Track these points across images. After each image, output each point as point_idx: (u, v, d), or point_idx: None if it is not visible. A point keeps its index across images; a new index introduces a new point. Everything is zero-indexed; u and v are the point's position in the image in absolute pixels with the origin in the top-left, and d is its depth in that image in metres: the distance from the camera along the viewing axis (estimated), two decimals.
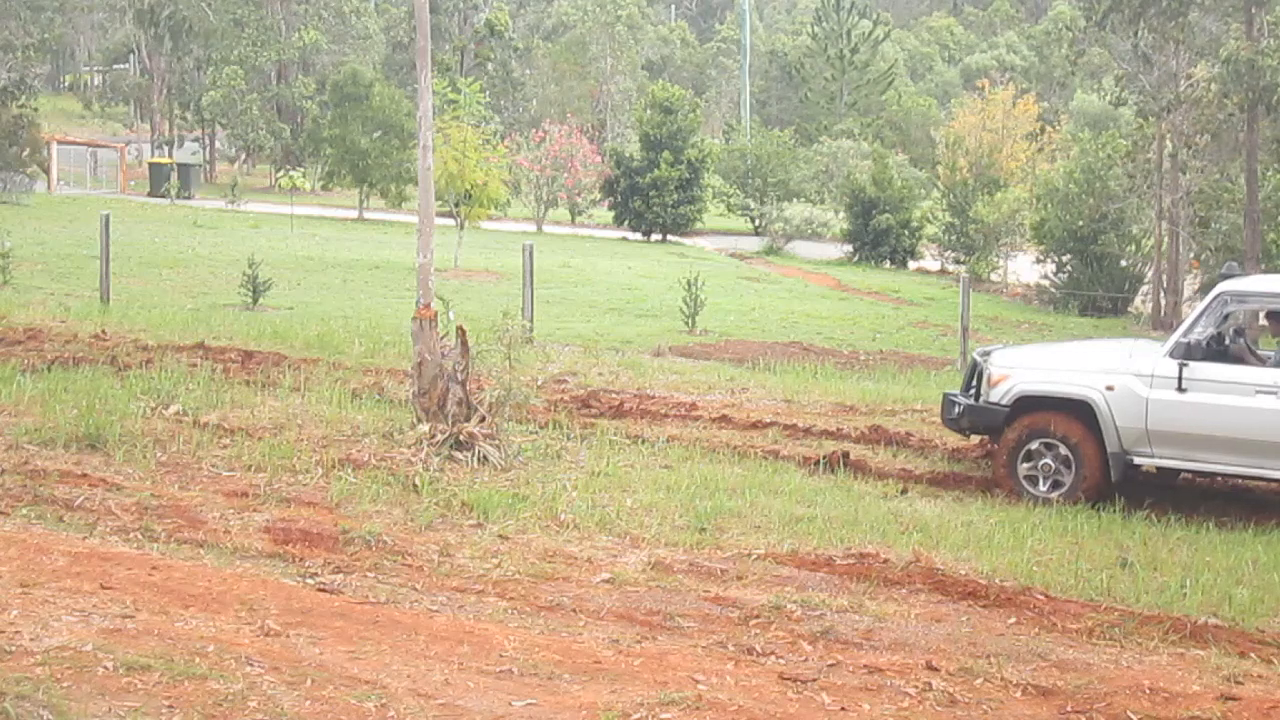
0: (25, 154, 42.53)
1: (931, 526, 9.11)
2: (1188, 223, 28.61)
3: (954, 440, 12.31)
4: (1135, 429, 10.50)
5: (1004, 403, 10.97)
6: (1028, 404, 10.92)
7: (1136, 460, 10.61)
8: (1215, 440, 10.33)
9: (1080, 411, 10.69)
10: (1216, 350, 10.73)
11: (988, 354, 11.68)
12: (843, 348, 20.74)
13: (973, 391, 11.41)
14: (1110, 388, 10.62)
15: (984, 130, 42.18)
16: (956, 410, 11.32)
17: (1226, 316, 10.85)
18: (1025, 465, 10.79)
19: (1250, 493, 11.22)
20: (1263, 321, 12.02)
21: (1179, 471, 11.04)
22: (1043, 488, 10.67)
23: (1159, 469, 10.88)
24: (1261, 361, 10.75)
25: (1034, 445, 10.75)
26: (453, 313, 12.43)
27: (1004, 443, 10.90)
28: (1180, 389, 10.40)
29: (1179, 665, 6.64)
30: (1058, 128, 45.61)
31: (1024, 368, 11.19)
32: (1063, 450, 10.68)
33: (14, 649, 5.70)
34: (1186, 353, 10.50)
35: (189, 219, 38.01)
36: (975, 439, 11.82)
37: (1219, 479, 11.29)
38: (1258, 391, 10.25)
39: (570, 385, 14.02)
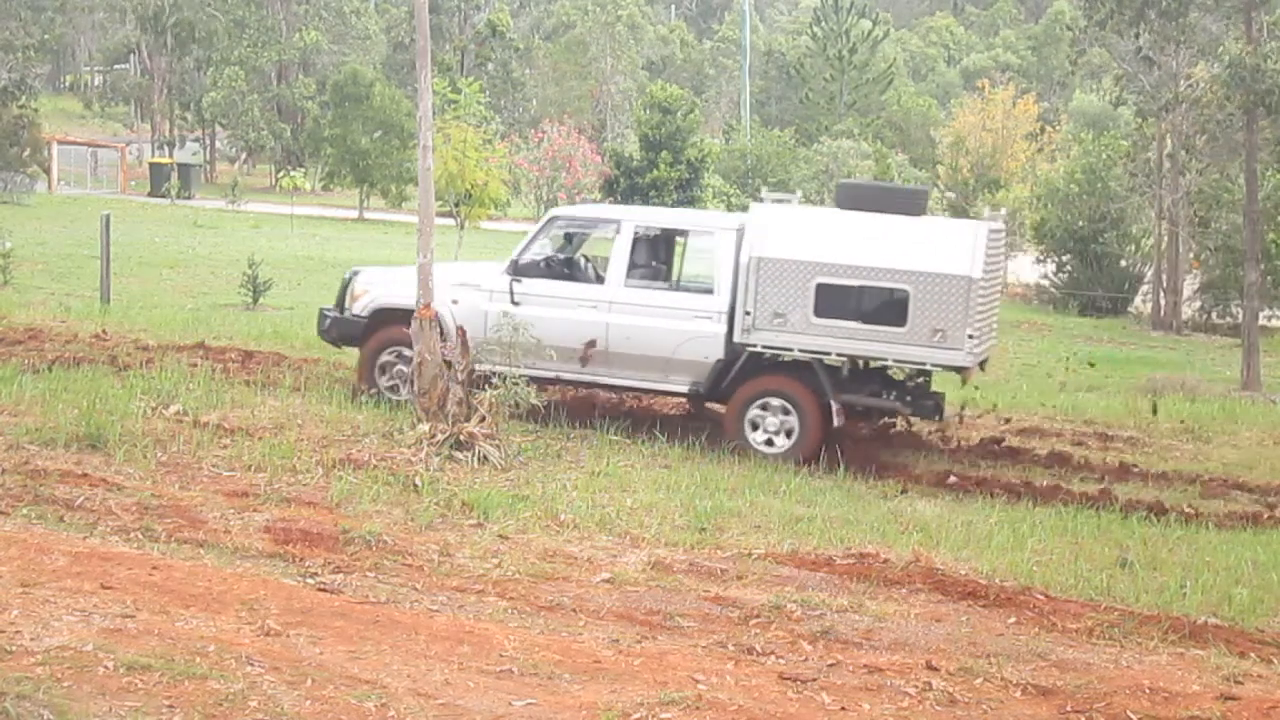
0: (26, 154, 42.53)
1: (931, 526, 9.11)
2: (1187, 223, 28.60)
3: (954, 440, 12.33)
4: (477, 339, 11.54)
5: (363, 315, 12.28)
6: (384, 316, 12.18)
7: (478, 367, 11.48)
8: (545, 348, 11.59)
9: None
10: (549, 268, 12.21)
11: (356, 273, 12.83)
12: None
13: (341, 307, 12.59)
14: (456, 301, 11.87)
15: (984, 130, 42.18)
16: (327, 323, 12.62)
17: (558, 238, 12.49)
18: (382, 376, 12.12)
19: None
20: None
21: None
22: (404, 392, 11.77)
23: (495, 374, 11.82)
24: (587, 278, 12.17)
25: (388, 356, 12.08)
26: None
27: (365, 350, 12.23)
28: (514, 302, 11.76)
29: (1179, 665, 6.64)
30: (1058, 128, 45.64)
31: (381, 284, 12.46)
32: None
33: (14, 649, 5.71)
34: (521, 270, 11.91)
35: (189, 219, 38.02)
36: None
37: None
38: (580, 305, 11.77)
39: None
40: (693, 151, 42.66)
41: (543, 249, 12.24)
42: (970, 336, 10.94)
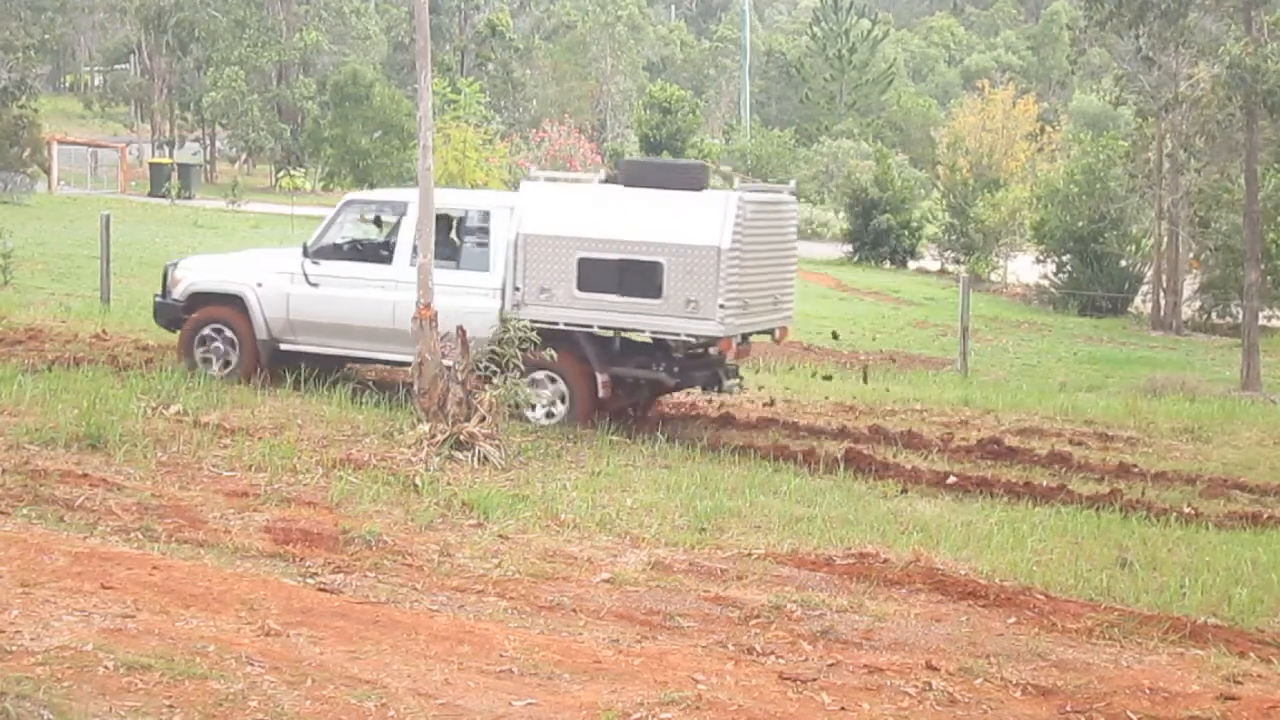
0: (26, 154, 42.50)
1: (931, 526, 9.10)
2: (1187, 223, 28.61)
3: (955, 440, 12.32)
4: (281, 319, 12.54)
5: (181, 299, 12.99)
6: (199, 299, 12.91)
7: (284, 346, 12.60)
8: (341, 328, 12.37)
9: (240, 305, 12.64)
10: (344, 250, 12.85)
11: (175, 263, 13.55)
12: (843, 348, 20.74)
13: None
14: (260, 284, 12.62)
15: (984, 130, 42.18)
16: (155, 309, 13.40)
17: (354, 221, 13.21)
18: (200, 349, 12.77)
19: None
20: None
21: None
22: (216, 367, 12.65)
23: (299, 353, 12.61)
24: (378, 259, 12.65)
25: (206, 331, 12.78)
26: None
27: (183, 330, 12.90)
28: (313, 284, 12.42)
29: (1179, 665, 6.64)
30: (1058, 128, 45.64)
31: (197, 270, 13.23)
32: (229, 335, 12.69)
33: (14, 649, 5.71)
34: (318, 253, 12.53)
35: (189, 219, 38.01)
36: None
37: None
38: (370, 285, 12.35)
39: None
40: (693, 151, 42.69)
41: (338, 232, 12.92)
42: (722, 306, 11.25)
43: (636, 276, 11.39)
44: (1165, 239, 29.19)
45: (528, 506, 8.97)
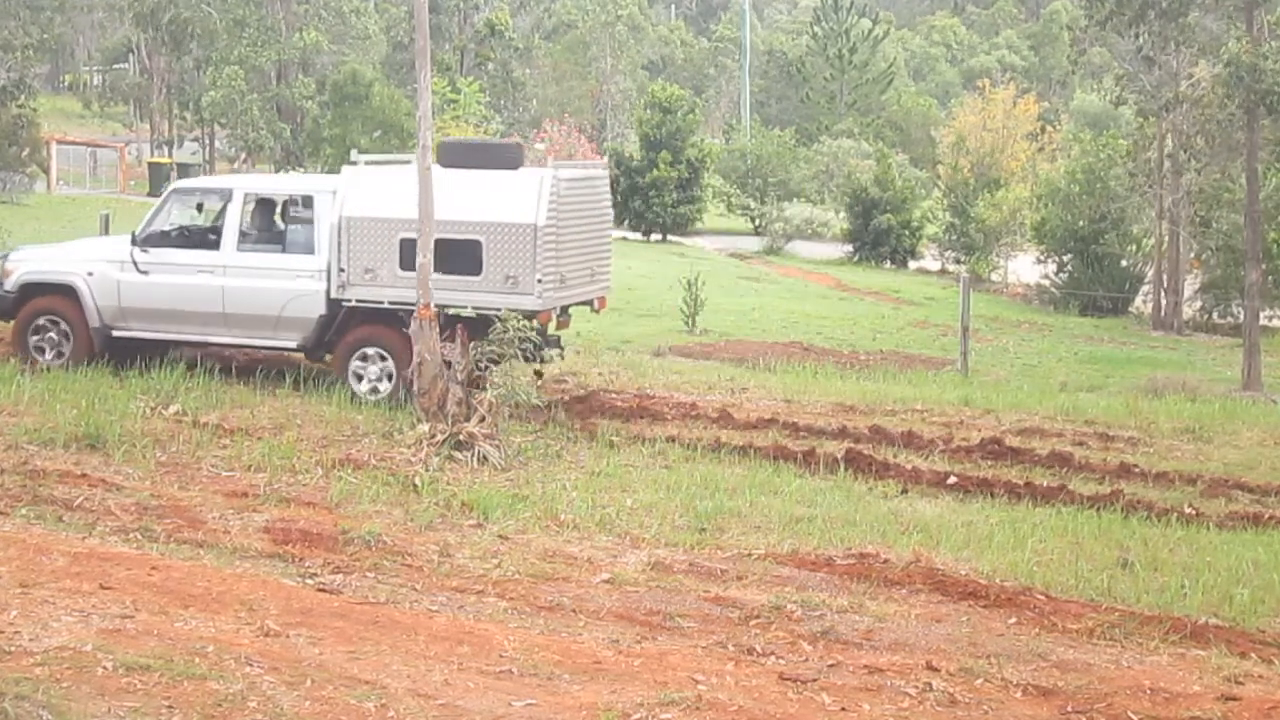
0: (25, 154, 42.44)
1: (931, 526, 9.09)
2: (1188, 222, 28.57)
3: (955, 441, 12.31)
4: (112, 307, 12.80)
5: (12, 290, 13.11)
6: (31, 290, 13.10)
7: (116, 333, 12.85)
8: (172, 313, 12.69)
9: (71, 294, 12.86)
10: (172, 237, 13.11)
11: (6, 255, 13.80)
12: (843, 348, 20.72)
13: None
14: (91, 273, 12.87)
15: (985, 130, 42.15)
16: None
17: (183, 208, 13.58)
18: (34, 338, 12.96)
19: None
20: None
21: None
22: (49, 356, 12.86)
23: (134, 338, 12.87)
24: (206, 245, 12.93)
25: (40, 321, 12.97)
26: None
27: (17, 321, 13.08)
28: (142, 271, 12.72)
29: (1179, 665, 6.63)
30: (1058, 127, 45.61)
31: (29, 261, 13.45)
32: (63, 325, 12.89)
33: (14, 649, 5.70)
34: (146, 241, 12.81)
35: None
36: None
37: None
38: (198, 271, 12.67)
39: (570, 385, 14.01)
40: (693, 151, 42.62)
41: (166, 220, 13.20)
42: (540, 281, 11.75)
43: (457, 255, 11.80)
44: (1166, 239, 29.15)
45: (527, 507, 8.96)
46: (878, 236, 39.09)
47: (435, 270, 11.59)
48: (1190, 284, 29.93)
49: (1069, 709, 5.95)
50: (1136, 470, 11.52)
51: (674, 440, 11.33)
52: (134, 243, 12.83)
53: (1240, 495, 10.99)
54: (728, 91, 76.56)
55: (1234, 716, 5.94)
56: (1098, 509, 9.94)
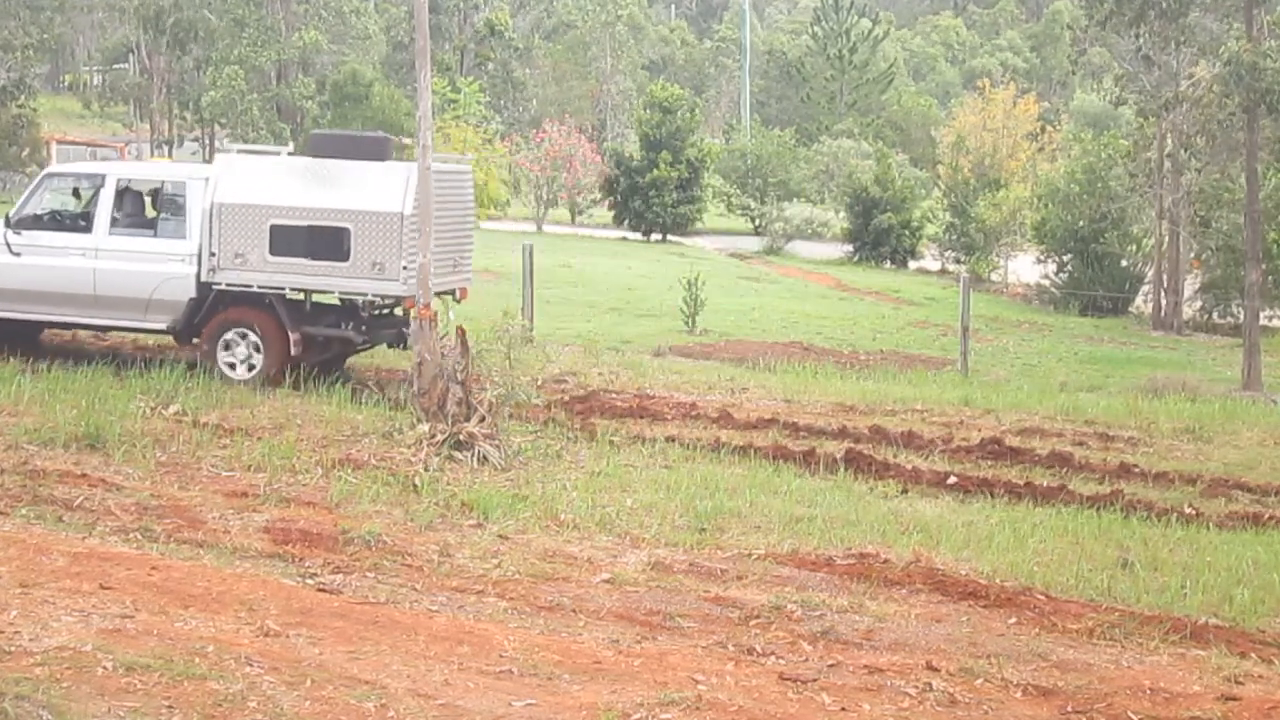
0: (25, 154, 42.45)
1: (931, 526, 9.09)
2: (1188, 222, 28.57)
3: (955, 441, 12.31)
4: None
5: None
6: None
7: None
8: (45, 295, 13.01)
9: None
10: (46, 221, 13.42)
11: None
12: (843, 348, 20.72)
13: None
14: None
15: (985, 130, 42.15)
16: None
17: (57, 192, 13.86)
18: None
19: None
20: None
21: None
22: None
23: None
24: (79, 228, 13.23)
25: None
26: (452, 313, 12.50)
27: None
28: (15, 253, 13.06)
29: (1179, 665, 6.63)
30: (1058, 127, 45.60)
31: None
32: None
33: (14, 649, 5.70)
34: (20, 224, 13.17)
35: None
36: None
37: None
38: (71, 253, 13.01)
39: (570, 385, 14.02)
40: (693, 151, 42.62)
41: (39, 203, 13.53)
42: (405, 268, 12.16)
43: (325, 241, 12.35)
44: (1166, 239, 29.15)
45: (527, 507, 8.96)
46: (878, 236, 39.09)
47: (304, 256, 12.22)
48: (1190, 284, 29.92)
49: (1069, 709, 5.95)
50: (1136, 470, 11.52)
51: (674, 440, 11.33)
52: (7, 225, 13.17)
53: (1240, 495, 10.99)
54: (728, 91, 76.55)
55: (1234, 716, 5.94)
56: (1098, 509, 9.94)
